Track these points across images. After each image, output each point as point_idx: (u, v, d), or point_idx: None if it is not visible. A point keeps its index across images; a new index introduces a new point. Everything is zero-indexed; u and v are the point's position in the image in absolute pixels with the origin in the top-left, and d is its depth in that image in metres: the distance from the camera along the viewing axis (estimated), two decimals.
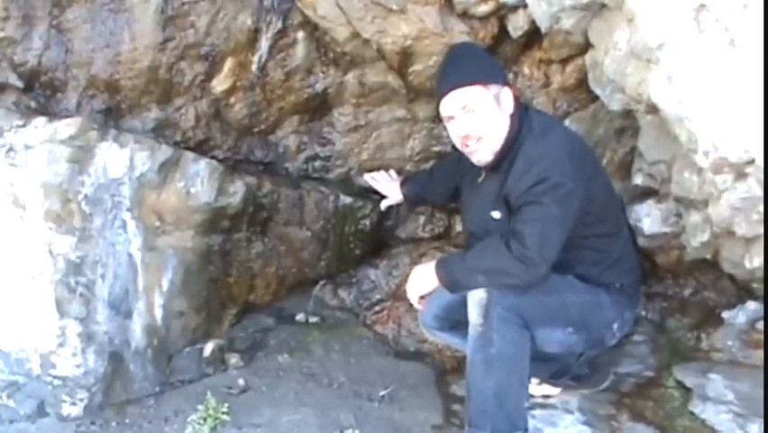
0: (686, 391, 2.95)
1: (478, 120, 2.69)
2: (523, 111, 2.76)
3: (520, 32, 3.25)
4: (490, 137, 2.70)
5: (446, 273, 2.71)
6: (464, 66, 2.76)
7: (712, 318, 3.24)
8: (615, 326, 2.82)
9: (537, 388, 3.10)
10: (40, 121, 3.03)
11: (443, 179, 3.31)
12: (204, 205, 3.29)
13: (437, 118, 3.40)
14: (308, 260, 3.72)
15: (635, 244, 3.24)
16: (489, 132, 2.70)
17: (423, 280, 2.81)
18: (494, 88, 2.69)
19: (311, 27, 3.46)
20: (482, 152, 2.74)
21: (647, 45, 2.65)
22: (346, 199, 3.70)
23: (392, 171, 3.67)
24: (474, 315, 2.59)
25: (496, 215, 2.72)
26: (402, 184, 3.53)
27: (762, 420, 2.67)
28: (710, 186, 2.71)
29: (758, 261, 2.81)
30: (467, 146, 2.76)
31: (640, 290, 3.05)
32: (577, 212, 2.59)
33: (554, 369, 3.06)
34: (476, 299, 2.59)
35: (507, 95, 2.71)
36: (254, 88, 3.57)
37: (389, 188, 3.57)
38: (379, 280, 3.76)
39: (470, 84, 2.69)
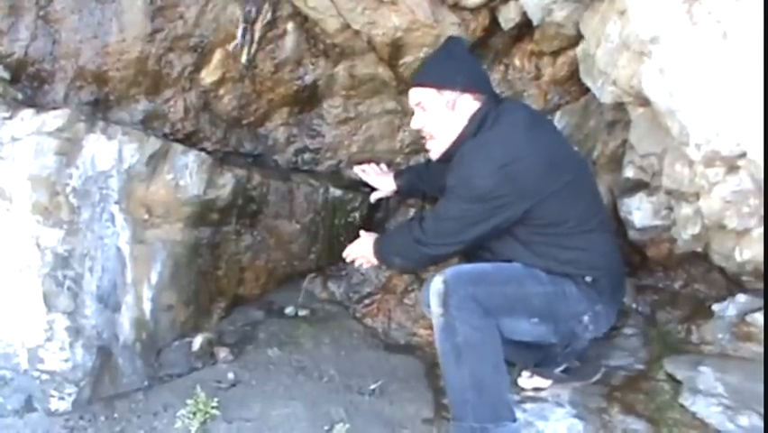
0: (676, 383, 2.94)
1: (429, 119, 2.88)
2: (491, 113, 2.79)
3: (511, 24, 3.25)
4: (440, 137, 2.89)
5: (376, 252, 3.05)
6: (430, 67, 2.93)
7: (702, 311, 3.25)
8: (585, 318, 2.80)
9: (528, 381, 3.10)
10: (27, 113, 3.00)
11: (441, 172, 3.28)
12: (193, 197, 3.27)
13: None
14: (298, 253, 3.71)
15: (626, 239, 3.26)
16: (439, 132, 2.88)
17: (363, 249, 3.13)
18: (448, 95, 2.81)
19: (301, 18, 3.45)
20: (433, 150, 2.97)
21: (639, 37, 2.65)
22: (336, 192, 3.69)
23: (383, 164, 3.65)
24: (434, 305, 2.68)
25: None
26: (396, 176, 3.52)
27: (752, 413, 2.67)
28: (702, 179, 2.71)
29: (748, 254, 2.82)
30: (425, 141, 2.98)
31: (618, 291, 2.98)
32: (505, 214, 2.68)
33: (539, 357, 3.06)
34: (434, 289, 2.68)
35: (464, 101, 2.81)
36: (243, 80, 3.55)
37: (380, 180, 3.56)
38: (369, 274, 3.74)
39: (425, 86, 2.87)
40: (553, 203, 2.69)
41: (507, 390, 2.76)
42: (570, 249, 2.76)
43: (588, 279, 2.77)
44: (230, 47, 3.46)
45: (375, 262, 3.12)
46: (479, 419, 2.64)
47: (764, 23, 2.31)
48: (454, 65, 2.86)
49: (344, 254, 3.23)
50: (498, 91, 3.48)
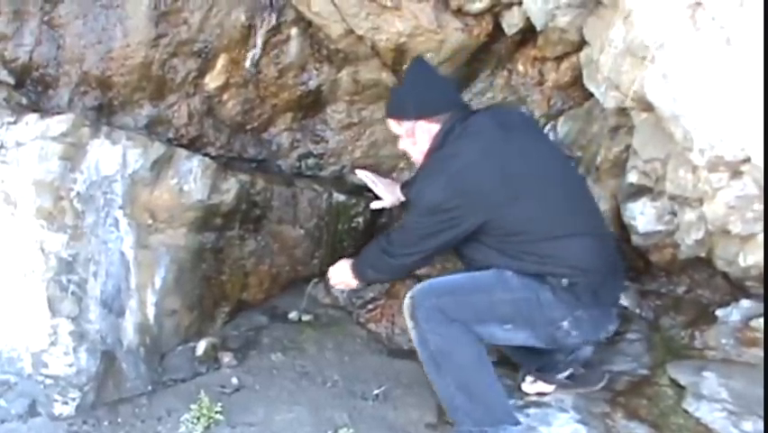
0: (680, 389, 2.94)
1: (403, 144, 3.06)
2: (456, 127, 2.87)
3: (515, 30, 3.26)
4: (415, 159, 3.08)
5: (353, 268, 3.12)
6: (391, 99, 3.16)
7: (706, 316, 3.24)
8: (564, 324, 2.77)
9: (531, 386, 3.10)
10: (31, 117, 3.01)
11: None
12: (196, 202, 3.28)
13: None
14: (301, 258, 3.72)
15: (629, 244, 3.25)
16: (413, 155, 3.07)
17: (341, 272, 3.19)
18: (406, 124, 2.98)
19: (305, 24, 3.45)
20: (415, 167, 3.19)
21: (643, 43, 2.66)
22: (339, 197, 3.70)
23: (391, 177, 3.68)
24: (407, 320, 2.81)
25: None
26: (403, 186, 3.47)
27: (756, 418, 2.67)
28: (705, 184, 2.71)
29: (752, 259, 2.82)
30: None
31: (603, 293, 2.85)
32: (461, 227, 2.75)
33: (541, 362, 3.06)
34: (404, 305, 2.82)
35: (421, 127, 2.94)
36: (247, 85, 3.56)
37: (388, 191, 3.50)
38: None
39: (388, 117, 3.10)
40: (510, 214, 2.73)
41: (500, 393, 2.81)
42: (537, 255, 2.76)
43: (564, 282, 2.75)
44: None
45: (353, 283, 3.19)
46: (476, 422, 2.72)
47: (765, 29, 2.31)
48: (407, 96, 3.01)
49: (327, 277, 3.31)
50: (501, 96, 3.50)
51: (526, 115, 3.41)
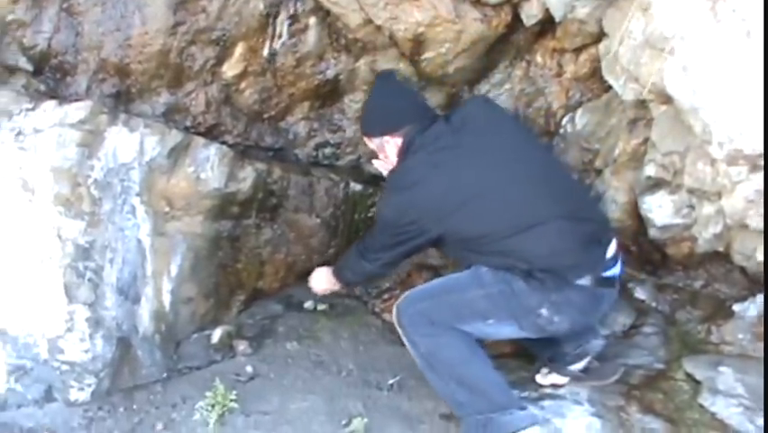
0: (696, 383, 2.93)
1: (380, 158, 3.15)
2: (416, 140, 2.91)
3: (534, 21, 3.24)
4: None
5: (333, 272, 3.34)
6: (363, 115, 3.30)
7: (723, 311, 3.22)
8: (543, 311, 2.76)
9: (545, 378, 3.09)
10: (49, 104, 3.02)
11: None
12: (213, 190, 3.29)
13: (447, 106, 3.39)
14: (317, 247, 3.73)
15: (646, 237, 3.23)
16: (388, 167, 3.10)
17: (321, 277, 3.42)
18: (375, 141, 3.08)
19: (323, 13, 3.45)
20: None
21: (662, 35, 2.64)
22: (356, 186, 3.71)
23: None
24: (396, 327, 2.91)
25: None
26: None
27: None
28: (724, 178, 2.69)
29: None
30: None
31: (571, 275, 2.77)
32: (424, 237, 2.88)
33: (549, 352, 3.08)
34: (393, 314, 2.92)
35: (388, 142, 3.02)
36: (265, 74, 3.56)
37: None
38: None
39: (363, 134, 3.22)
40: (463, 222, 2.79)
41: (498, 382, 2.82)
42: (501, 253, 2.78)
43: (530, 269, 2.74)
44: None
45: (335, 287, 3.39)
46: (480, 411, 2.74)
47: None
48: (371, 113, 3.17)
49: (309, 286, 3.50)
50: (519, 87, 3.49)
51: (490, 102, 3.29)
